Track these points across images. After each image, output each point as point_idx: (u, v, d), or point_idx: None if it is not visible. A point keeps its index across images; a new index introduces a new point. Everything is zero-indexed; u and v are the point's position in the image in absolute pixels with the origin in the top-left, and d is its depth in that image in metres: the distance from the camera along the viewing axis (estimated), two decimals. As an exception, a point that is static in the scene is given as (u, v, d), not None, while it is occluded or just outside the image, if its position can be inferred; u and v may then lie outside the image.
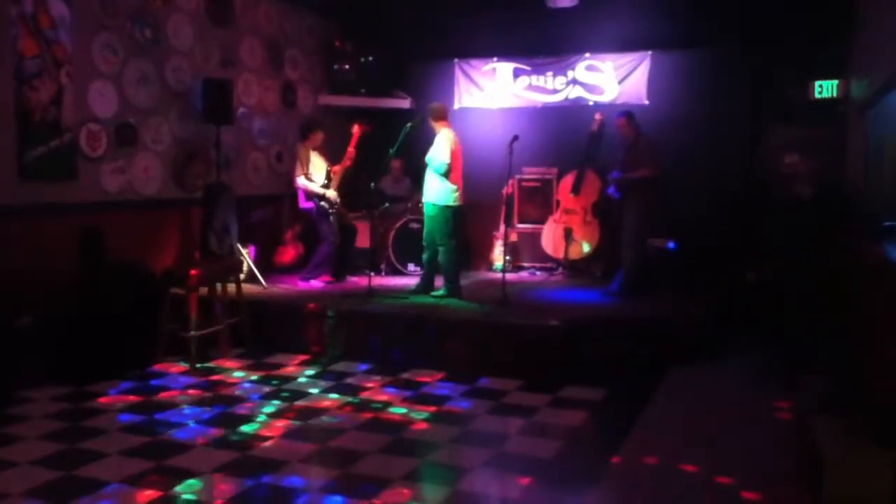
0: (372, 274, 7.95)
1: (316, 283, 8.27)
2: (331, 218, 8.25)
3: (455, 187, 7.47)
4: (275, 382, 6.16)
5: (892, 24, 5.94)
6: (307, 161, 8.21)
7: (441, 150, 7.41)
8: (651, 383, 6.02)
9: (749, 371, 6.41)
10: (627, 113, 8.13)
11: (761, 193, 8.39)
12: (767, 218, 7.82)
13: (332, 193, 8.22)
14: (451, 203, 7.45)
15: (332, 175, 8.26)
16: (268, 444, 4.81)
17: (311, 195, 8.20)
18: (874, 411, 3.88)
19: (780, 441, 4.83)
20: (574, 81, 9.84)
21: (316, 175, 8.22)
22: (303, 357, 6.93)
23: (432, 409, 5.54)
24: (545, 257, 9.50)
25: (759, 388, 5.96)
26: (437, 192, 7.44)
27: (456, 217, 7.59)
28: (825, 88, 8.35)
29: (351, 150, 8.30)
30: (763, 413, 5.42)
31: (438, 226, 7.49)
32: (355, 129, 8.38)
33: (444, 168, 7.35)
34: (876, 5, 6.74)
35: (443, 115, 7.64)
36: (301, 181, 8.17)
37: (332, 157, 8.52)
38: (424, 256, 7.78)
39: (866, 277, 4.28)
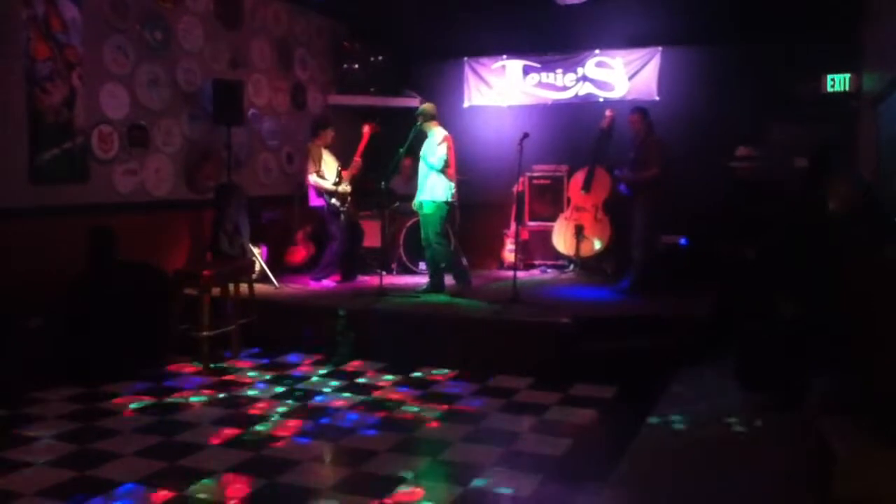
0: (383, 273, 7.96)
1: (327, 283, 8.29)
2: (341, 217, 8.27)
3: (452, 184, 7.58)
4: (287, 382, 6.19)
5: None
6: (319, 158, 8.22)
7: (441, 147, 7.50)
8: (661, 380, 6.00)
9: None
10: (641, 109, 8.10)
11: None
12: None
13: (344, 188, 8.21)
14: (448, 199, 7.53)
15: (342, 175, 8.26)
16: (281, 443, 4.83)
17: (322, 192, 8.21)
18: (886, 411, 3.86)
19: (786, 441, 4.81)
20: (584, 78, 9.84)
21: (327, 173, 8.23)
22: (315, 357, 6.95)
23: (444, 407, 5.55)
24: (556, 255, 9.49)
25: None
26: (435, 188, 7.50)
27: (451, 214, 7.64)
28: (837, 82, 8.31)
29: (357, 159, 8.29)
30: (769, 412, 5.38)
31: (434, 223, 7.54)
32: (366, 129, 8.39)
33: (443, 164, 7.44)
34: (889, 2, 6.70)
35: (435, 115, 7.74)
36: (313, 178, 8.18)
37: (342, 156, 8.52)
38: (428, 255, 7.79)
39: (883, 275, 4.24)
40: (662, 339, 6.56)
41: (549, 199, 9.73)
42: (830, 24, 8.11)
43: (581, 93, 9.88)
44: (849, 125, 8.12)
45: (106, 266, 6.49)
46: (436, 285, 7.78)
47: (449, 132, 7.69)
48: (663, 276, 7.91)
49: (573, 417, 5.35)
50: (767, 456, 4.56)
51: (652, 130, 7.97)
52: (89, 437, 4.88)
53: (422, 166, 7.66)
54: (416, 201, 7.75)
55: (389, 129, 8.92)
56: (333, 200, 8.20)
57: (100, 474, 4.30)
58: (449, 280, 7.86)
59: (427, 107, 7.76)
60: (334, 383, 6.16)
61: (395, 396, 5.81)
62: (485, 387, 6.08)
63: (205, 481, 4.21)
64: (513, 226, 9.24)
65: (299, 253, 9.01)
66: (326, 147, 8.40)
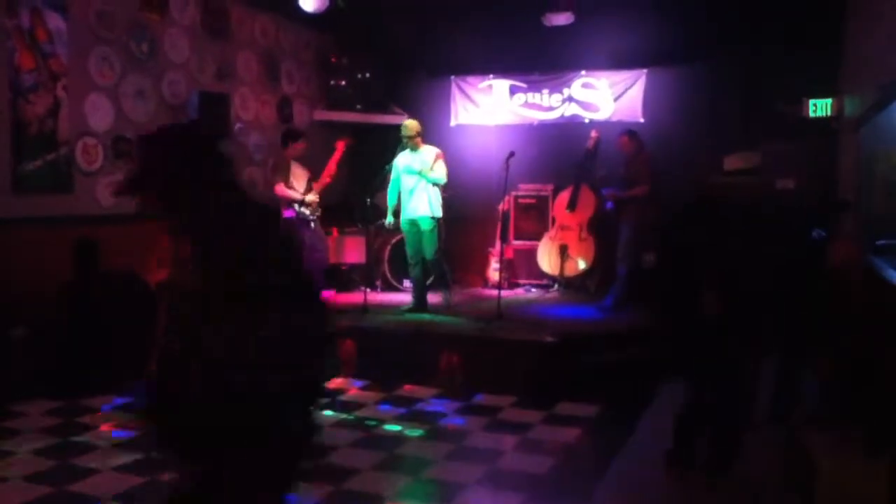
0: (367, 290, 7.92)
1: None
2: (312, 225, 8.11)
3: (442, 199, 7.60)
4: (269, 398, 6.12)
5: (883, 38, 5.98)
6: (286, 169, 8.07)
7: (440, 164, 7.50)
8: (644, 398, 6.00)
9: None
10: (630, 131, 8.19)
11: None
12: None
13: (311, 198, 8.07)
14: (441, 214, 7.56)
15: (313, 186, 8.12)
16: (261, 460, 4.77)
17: (289, 202, 8.06)
18: (871, 422, 3.89)
19: (771, 452, 4.81)
20: (570, 99, 9.88)
21: (297, 184, 8.08)
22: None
23: (427, 425, 5.52)
24: (541, 274, 9.49)
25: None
26: (432, 205, 7.47)
27: (441, 229, 7.70)
28: (819, 107, 8.38)
29: (331, 166, 8.18)
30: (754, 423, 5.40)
31: (432, 239, 7.51)
32: (339, 143, 8.29)
33: (444, 180, 7.48)
34: (867, 21, 6.79)
35: (422, 132, 7.74)
36: (279, 189, 8.04)
37: (318, 170, 8.42)
38: (415, 273, 7.74)
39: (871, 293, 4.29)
40: (646, 355, 6.56)
41: (535, 218, 9.74)
42: (815, 46, 8.19)
43: (567, 113, 9.92)
44: (832, 145, 8.20)
45: (90, 277, 6.43)
46: (422, 302, 7.73)
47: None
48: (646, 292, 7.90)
49: (557, 436, 5.34)
50: (753, 466, 4.57)
51: (642, 149, 8.03)
52: (69, 452, 4.82)
53: (412, 183, 7.53)
54: (406, 218, 7.60)
55: (375, 145, 8.90)
56: (302, 209, 8.06)
57: (79, 489, 4.24)
58: (433, 297, 7.83)
59: (415, 123, 7.69)
60: (317, 400, 6.10)
61: (377, 414, 5.78)
62: (468, 405, 6.05)
63: (184, 498, 4.15)
64: (498, 244, 9.22)
65: (283, 268, 8.92)
66: (296, 159, 8.25)
